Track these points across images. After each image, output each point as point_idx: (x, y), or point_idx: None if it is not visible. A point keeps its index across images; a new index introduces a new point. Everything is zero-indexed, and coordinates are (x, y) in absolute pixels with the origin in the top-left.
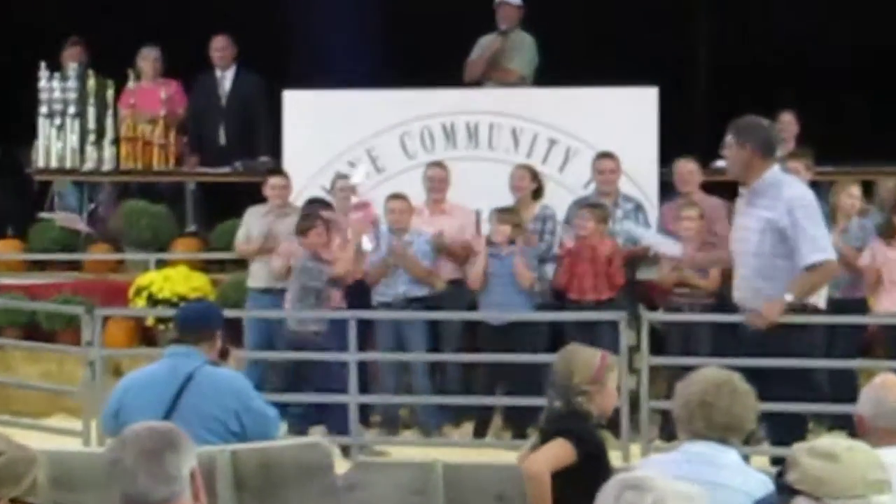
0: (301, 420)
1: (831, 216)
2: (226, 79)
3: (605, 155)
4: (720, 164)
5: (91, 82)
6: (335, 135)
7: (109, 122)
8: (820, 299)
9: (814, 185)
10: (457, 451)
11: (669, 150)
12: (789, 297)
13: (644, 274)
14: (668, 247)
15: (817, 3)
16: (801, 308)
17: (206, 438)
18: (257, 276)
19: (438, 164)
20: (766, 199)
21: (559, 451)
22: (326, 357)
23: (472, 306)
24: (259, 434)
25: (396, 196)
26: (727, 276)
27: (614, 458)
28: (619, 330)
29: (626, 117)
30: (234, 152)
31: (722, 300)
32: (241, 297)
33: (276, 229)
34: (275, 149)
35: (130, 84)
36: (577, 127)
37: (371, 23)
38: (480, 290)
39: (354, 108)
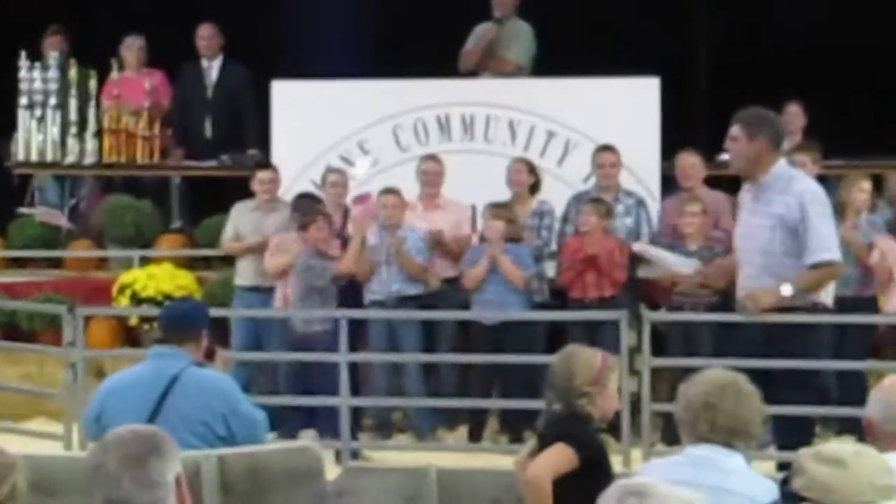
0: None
1: (840, 211)
2: (212, 69)
3: (605, 148)
4: (724, 157)
5: (73, 72)
6: (325, 127)
7: (92, 113)
8: (827, 297)
9: (821, 179)
10: (451, 455)
11: (671, 144)
12: (786, 291)
13: (645, 272)
14: (684, 265)
15: None
16: (809, 307)
17: (191, 442)
18: (245, 274)
19: (432, 158)
20: (775, 195)
21: (560, 457)
22: (324, 358)
23: (468, 305)
24: (247, 438)
25: (389, 190)
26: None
27: (615, 462)
28: (620, 330)
29: (626, 109)
30: (221, 145)
31: (726, 299)
32: (228, 295)
33: (265, 226)
34: (263, 142)
35: (113, 74)
36: (576, 119)
37: (362, 11)
38: (474, 290)
39: (345, 100)
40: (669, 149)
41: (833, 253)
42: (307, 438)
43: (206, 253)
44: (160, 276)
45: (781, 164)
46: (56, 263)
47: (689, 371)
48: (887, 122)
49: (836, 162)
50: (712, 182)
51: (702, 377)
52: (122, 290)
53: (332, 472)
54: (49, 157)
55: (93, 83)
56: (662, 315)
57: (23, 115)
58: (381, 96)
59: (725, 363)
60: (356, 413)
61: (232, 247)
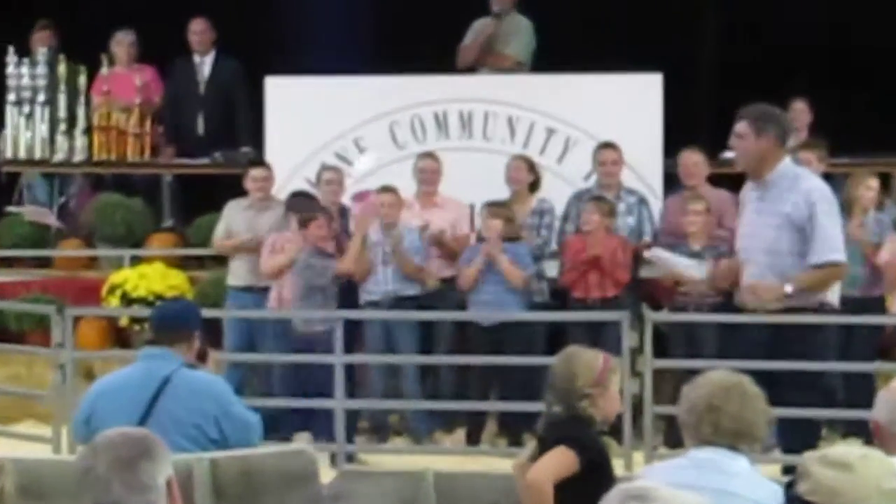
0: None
1: (847, 209)
2: (204, 64)
3: (606, 145)
4: (728, 155)
5: (62, 68)
6: (320, 124)
7: (81, 110)
8: (834, 297)
9: (827, 176)
10: (449, 459)
11: (674, 141)
12: (788, 289)
13: (647, 272)
14: (695, 269)
15: None
16: (816, 307)
17: (183, 445)
18: (238, 274)
19: (430, 155)
20: (781, 193)
21: (562, 460)
22: (319, 359)
23: (466, 306)
24: (239, 441)
25: (386, 189)
26: None
27: (616, 466)
28: (622, 331)
29: (628, 105)
30: (214, 142)
31: (729, 299)
32: (221, 295)
33: (258, 225)
34: (256, 139)
35: (104, 70)
36: (576, 115)
37: (358, 5)
38: (469, 290)
39: (340, 96)
40: (672, 146)
41: (838, 254)
42: (302, 441)
43: (199, 252)
44: (151, 276)
45: (787, 162)
46: (45, 263)
47: (692, 373)
48: (894, 119)
49: (842, 160)
50: (716, 180)
51: (705, 379)
52: (112, 290)
53: (326, 475)
54: (38, 154)
55: (82, 79)
56: (665, 315)
57: (11, 112)
58: (377, 92)
59: (729, 365)
60: (352, 416)
61: (223, 245)
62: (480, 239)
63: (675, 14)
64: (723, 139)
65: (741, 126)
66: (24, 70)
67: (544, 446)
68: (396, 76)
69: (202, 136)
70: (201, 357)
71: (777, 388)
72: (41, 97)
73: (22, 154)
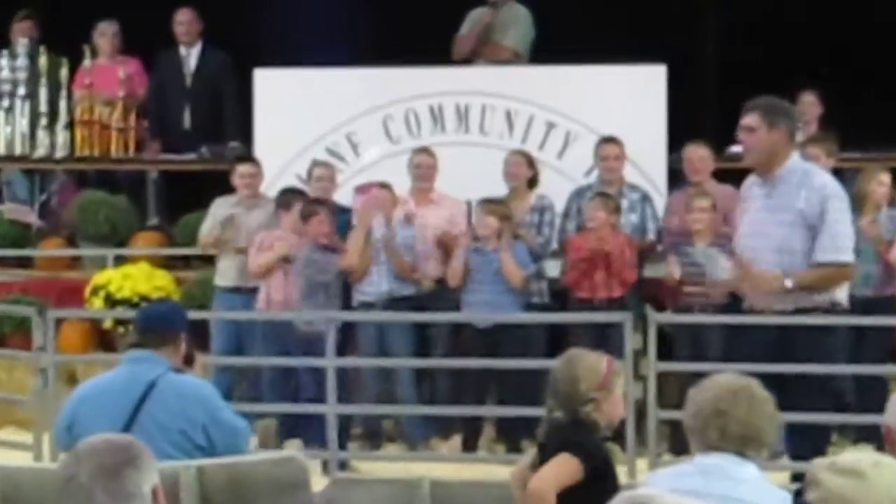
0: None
1: (858, 206)
2: (191, 56)
3: (608, 140)
4: (735, 149)
5: (42, 60)
6: (311, 118)
7: (63, 104)
8: (842, 295)
9: (837, 172)
10: (445, 466)
11: (679, 135)
12: (789, 284)
13: (650, 271)
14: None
15: None
16: (826, 307)
17: (169, 453)
18: (226, 274)
19: (425, 151)
20: (791, 189)
21: (565, 468)
22: (310, 363)
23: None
24: (228, 448)
25: (379, 185)
26: None
27: (619, 473)
28: (624, 332)
29: (631, 98)
30: (200, 137)
31: (737, 299)
32: (208, 296)
33: (247, 222)
34: (245, 133)
35: (86, 62)
36: (577, 109)
37: None
38: (463, 289)
39: (332, 89)
40: (676, 140)
41: (846, 254)
42: (292, 448)
43: (185, 252)
44: (136, 277)
45: (795, 158)
46: (25, 263)
47: (697, 376)
48: None
49: (853, 154)
50: (721, 175)
51: (712, 382)
52: (95, 291)
53: (318, 483)
54: (18, 150)
55: (64, 72)
56: (669, 316)
57: None
58: (370, 85)
59: (736, 367)
60: (344, 421)
61: (206, 242)
62: (476, 238)
63: (678, 3)
64: (729, 133)
65: (751, 118)
66: (4, 62)
67: (545, 453)
68: (390, 68)
69: (188, 131)
70: (188, 361)
71: (785, 391)
72: (21, 90)
73: (1, 150)
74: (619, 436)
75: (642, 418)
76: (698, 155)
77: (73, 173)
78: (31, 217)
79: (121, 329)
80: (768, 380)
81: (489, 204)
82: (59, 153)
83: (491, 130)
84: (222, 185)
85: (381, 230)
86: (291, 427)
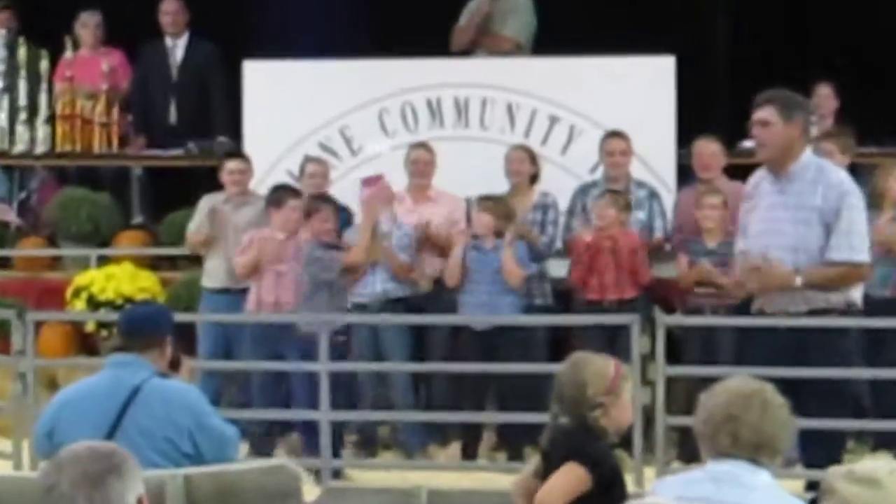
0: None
1: (875, 202)
2: (177, 48)
3: (614, 134)
4: (747, 144)
5: (22, 52)
6: (303, 111)
7: (43, 97)
8: (857, 295)
9: (853, 168)
10: (443, 474)
11: (688, 129)
12: (798, 282)
13: (659, 271)
14: None
15: None
16: (843, 308)
17: (154, 460)
18: (213, 275)
19: (423, 146)
20: (807, 185)
21: (572, 479)
22: (302, 367)
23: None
24: (215, 456)
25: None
26: None
27: (627, 482)
28: (631, 335)
29: (638, 91)
30: (187, 132)
31: (749, 301)
32: (195, 298)
33: (235, 221)
34: (233, 128)
35: (67, 54)
36: (581, 102)
37: None
38: (460, 290)
39: (325, 81)
40: (686, 135)
41: (861, 254)
42: (283, 455)
43: (171, 252)
44: (119, 277)
45: (808, 153)
46: (4, 263)
47: (707, 381)
48: None
49: (870, 149)
50: (732, 171)
51: (724, 386)
52: (77, 292)
53: (310, 493)
54: None
55: (44, 64)
56: (678, 319)
57: None
58: (364, 77)
59: (748, 371)
60: (338, 428)
61: (195, 241)
62: (474, 236)
63: None
64: (740, 127)
65: (767, 112)
66: None
67: (550, 461)
68: (386, 59)
69: (174, 126)
70: (174, 365)
71: (799, 396)
72: None
73: None
74: (626, 443)
75: (650, 425)
76: (709, 150)
77: (53, 170)
78: (10, 215)
79: (104, 332)
80: (782, 384)
81: (488, 201)
82: (40, 149)
83: (491, 125)
84: (210, 181)
85: (388, 225)
86: (282, 434)
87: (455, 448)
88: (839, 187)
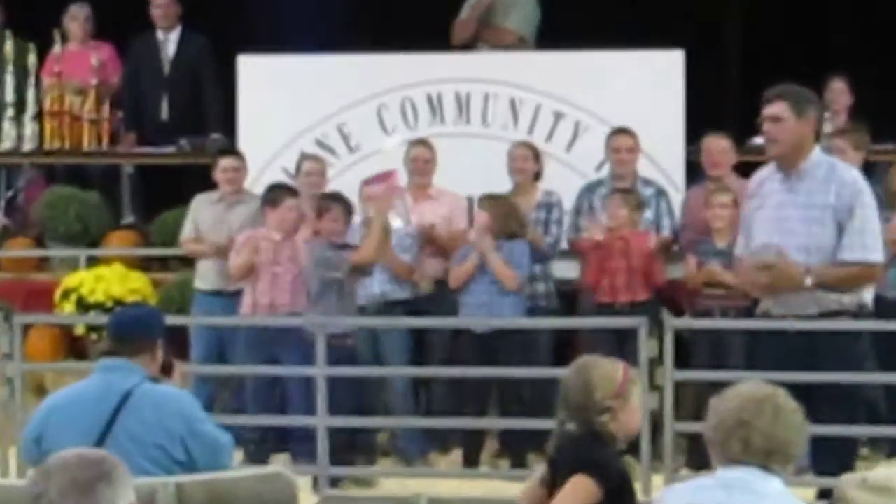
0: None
1: (889, 202)
2: (169, 41)
3: (620, 131)
4: (758, 140)
5: (9, 46)
6: (299, 107)
7: (31, 93)
8: (868, 297)
9: (867, 166)
10: (444, 482)
11: (697, 125)
12: (809, 282)
13: (667, 272)
14: None
15: None
16: (855, 311)
17: (145, 468)
18: (206, 277)
19: (423, 143)
20: (818, 183)
21: (582, 492)
22: (298, 371)
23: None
24: (208, 463)
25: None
26: None
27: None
28: (639, 339)
29: (646, 86)
30: (179, 129)
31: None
32: (188, 300)
33: (229, 221)
34: (227, 124)
35: (56, 48)
36: (587, 97)
37: None
38: (460, 291)
39: (322, 76)
40: (695, 131)
41: (876, 253)
42: (279, 463)
43: (162, 252)
44: (109, 279)
45: (818, 151)
46: None
47: (717, 385)
48: None
49: (885, 146)
50: (742, 169)
51: (734, 391)
52: (66, 294)
53: (307, 501)
54: None
55: (32, 58)
56: (687, 322)
57: None
58: (363, 72)
59: (759, 376)
60: (335, 434)
61: (193, 249)
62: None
63: None
64: (751, 123)
65: (779, 107)
66: None
67: (557, 469)
68: (385, 54)
69: (166, 122)
70: (165, 369)
71: (810, 401)
72: None
73: None
74: (633, 449)
75: (658, 431)
76: (718, 147)
77: (41, 167)
78: None
79: (93, 335)
80: (793, 389)
81: (489, 199)
82: (27, 146)
83: (494, 121)
84: (203, 180)
85: (398, 222)
86: (278, 440)
87: (456, 455)
88: (853, 185)
